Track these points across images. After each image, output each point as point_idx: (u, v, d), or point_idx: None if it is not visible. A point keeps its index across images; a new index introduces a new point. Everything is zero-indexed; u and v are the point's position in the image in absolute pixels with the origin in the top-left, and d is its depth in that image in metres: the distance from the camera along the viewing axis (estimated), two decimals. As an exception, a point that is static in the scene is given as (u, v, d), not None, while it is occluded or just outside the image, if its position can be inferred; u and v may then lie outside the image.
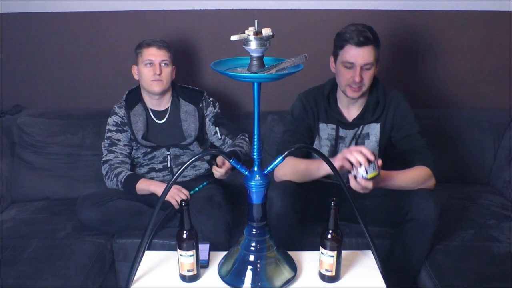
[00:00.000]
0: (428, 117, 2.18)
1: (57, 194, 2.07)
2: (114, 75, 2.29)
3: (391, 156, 1.72)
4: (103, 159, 1.91)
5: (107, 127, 1.94)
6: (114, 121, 1.93)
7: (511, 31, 2.20)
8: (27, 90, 2.35)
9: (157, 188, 1.79)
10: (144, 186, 1.81)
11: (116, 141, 1.91)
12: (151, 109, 1.95)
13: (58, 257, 1.62)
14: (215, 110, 2.00)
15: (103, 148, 1.93)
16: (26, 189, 2.09)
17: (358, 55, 1.57)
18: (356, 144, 1.74)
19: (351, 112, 1.75)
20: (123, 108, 1.93)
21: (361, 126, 1.73)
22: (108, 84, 2.31)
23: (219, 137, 1.98)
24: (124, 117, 1.92)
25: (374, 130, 1.74)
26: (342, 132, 1.74)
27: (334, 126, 1.75)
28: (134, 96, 1.95)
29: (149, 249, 1.69)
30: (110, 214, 1.75)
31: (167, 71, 1.87)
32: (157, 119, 1.95)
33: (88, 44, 2.26)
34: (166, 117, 1.95)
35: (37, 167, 2.08)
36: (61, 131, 2.11)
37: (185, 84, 2.04)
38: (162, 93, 1.91)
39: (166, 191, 1.14)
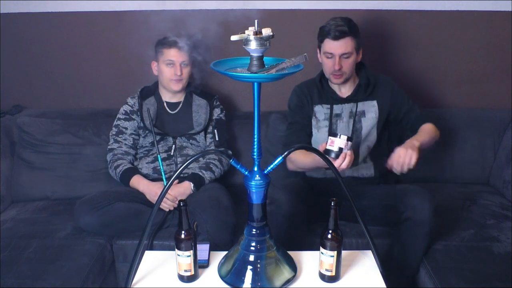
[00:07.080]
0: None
1: (57, 194, 2.07)
2: (114, 75, 2.29)
3: (385, 137, 1.88)
4: (108, 146, 2.00)
5: (117, 115, 2.02)
6: (124, 110, 2.02)
7: (511, 31, 2.20)
8: (27, 90, 2.35)
9: (145, 189, 1.86)
10: (135, 183, 1.88)
11: (123, 129, 1.99)
12: (166, 101, 2.03)
13: (58, 257, 1.61)
14: (221, 115, 2.07)
15: (110, 136, 2.01)
16: (26, 189, 2.08)
17: (335, 46, 1.72)
18: (354, 123, 1.81)
19: (342, 91, 1.86)
20: (136, 97, 2.02)
21: (356, 104, 1.82)
22: (108, 84, 2.31)
23: (211, 138, 2.03)
24: (134, 106, 2.01)
25: (371, 107, 1.83)
26: (337, 109, 1.83)
27: (329, 106, 1.84)
28: (149, 89, 2.04)
29: (151, 249, 1.70)
30: (109, 218, 1.75)
31: (187, 71, 1.96)
32: (170, 109, 2.02)
33: (88, 44, 2.26)
34: (179, 108, 2.03)
35: (37, 167, 2.08)
36: (61, 131, 2.11)
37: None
38: (180, 91, 2.00)
39: (163, 194, 1.14)
